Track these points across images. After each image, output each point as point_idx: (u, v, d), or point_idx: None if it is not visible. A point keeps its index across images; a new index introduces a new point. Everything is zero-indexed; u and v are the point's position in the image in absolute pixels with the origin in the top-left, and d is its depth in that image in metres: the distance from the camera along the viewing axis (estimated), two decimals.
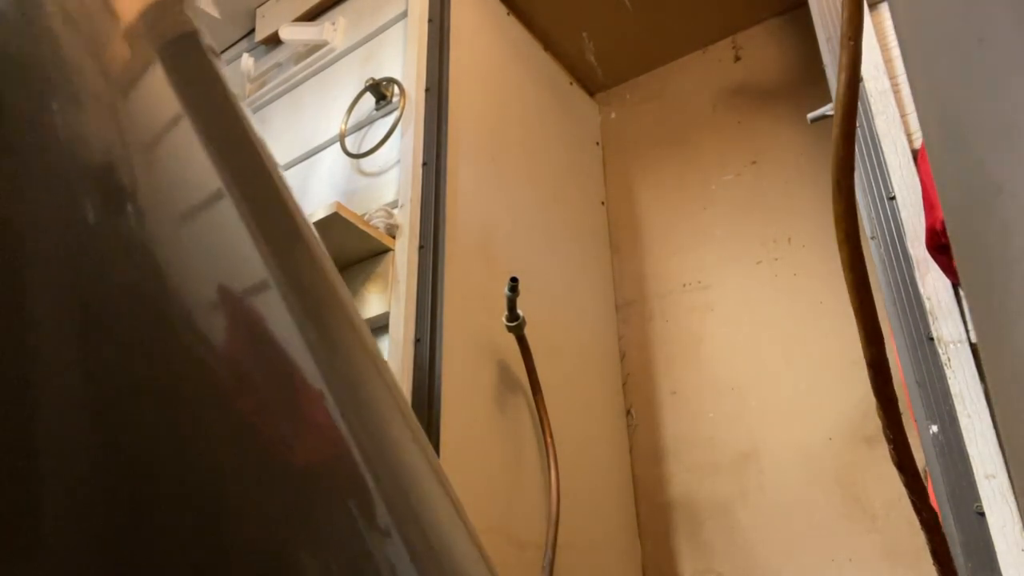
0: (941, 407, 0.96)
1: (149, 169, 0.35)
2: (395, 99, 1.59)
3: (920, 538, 0.65)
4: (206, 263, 0.34)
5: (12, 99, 0.32)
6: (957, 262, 0.36)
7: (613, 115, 2.29)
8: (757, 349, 1.77)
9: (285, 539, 0.29)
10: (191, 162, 0.38)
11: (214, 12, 1.84)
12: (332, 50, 1.80)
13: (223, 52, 2.15)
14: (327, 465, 0.33)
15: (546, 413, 1.48)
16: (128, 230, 0.32)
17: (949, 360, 0.97)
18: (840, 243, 0.55)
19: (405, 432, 0.41)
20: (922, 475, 0.66)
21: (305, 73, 1.84)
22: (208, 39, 0.50)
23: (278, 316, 0.36)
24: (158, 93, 0.40)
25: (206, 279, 0.33)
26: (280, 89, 1.88)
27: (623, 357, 1.95)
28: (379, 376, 0.42)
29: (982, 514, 0.89)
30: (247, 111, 0.48)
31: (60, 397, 0.26)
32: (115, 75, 0.38)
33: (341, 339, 0.40)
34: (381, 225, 1.40)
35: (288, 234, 0.42)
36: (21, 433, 0.25)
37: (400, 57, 1.65)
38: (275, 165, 0.47)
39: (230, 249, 0.36)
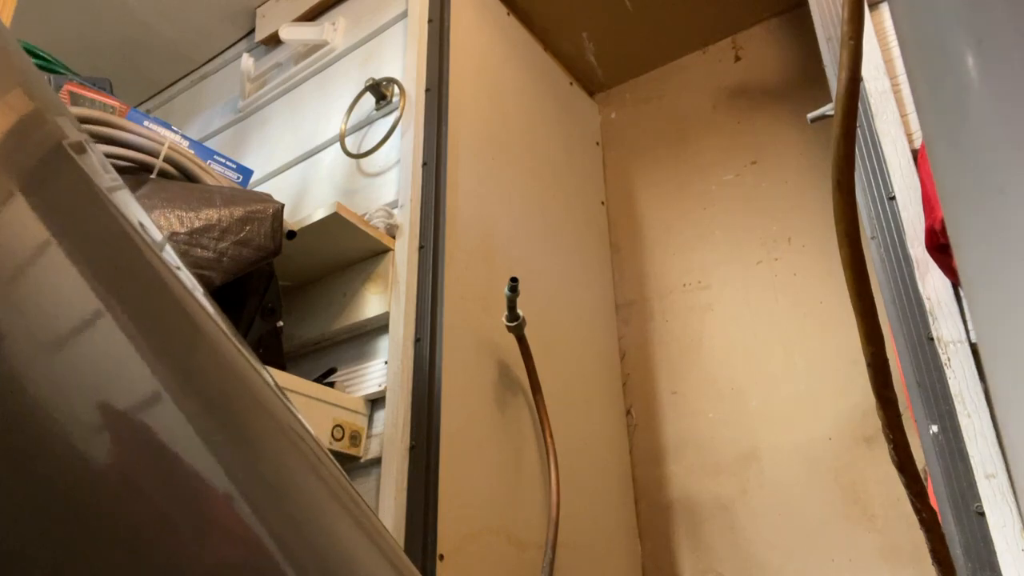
0: (941, 407, 0.96)
1: (13, 304, 0.34)
2: (395, 99, 1.59)
3: (920, 538, 0.65)
4: (85, 386, 0.34)
5: None
6: (957, 262, 0.36)
7: (613, 115, 2.29)
8: (757, 349, 1.77)
9: None
10: (60, 289, 0.37)
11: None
12: (332, 50, 1.80)
13: (223, 52, 2.15)
14: (238, 567, 0.33)
15: (546, 413, 1.47)
16: None
17: (949, 360, 0.97)
18: (840, 243, 0.55)
19: (343, 518, 0.40)
20: (922, 475, 0.66)
21: (305, 73, 1.84)
22: (77, 136, 0.48)
23: (172, 425, 0.36)
24: (19, 226, 0.38)
25: (85, 401, 0.33)
26: (280, 89, 1.88)
27: (623, 357, 1.95)
28: (310, 466, 0.41)
29: (982, 514, 0.89)
30: (131, 211, 0.46)
31: None
32: None
33: (257, 434, 0.40)
34: (381, 225, 1.40)
35: (185, 337, 0.41)
36: None
37: (400, 57, 1.65)
38: (168, 264, 0.45)
39: (113, 367, 0.36)
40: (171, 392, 0.37)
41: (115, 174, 0.48)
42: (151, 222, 0.48)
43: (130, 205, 0.46)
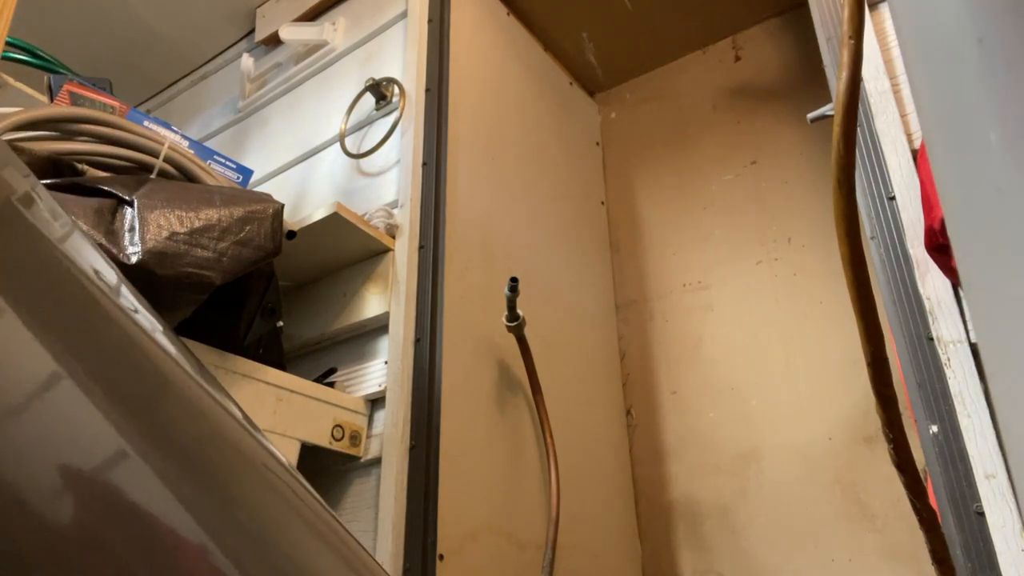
0: (941, 407, 0.95)
1: None
2: (395, 99, 1.59)
3: (920, 538, 0.65)
4: (44, 451, 0.33)
5: None
6: (957, 262, 0.36)
7: (613, 115, 2.29)
8: (757, 349, 1.77)
9: None
10: (13, 354, 0.36)
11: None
12: (332, 50, 1.80)
13: (223, 52, 2.15)
14: None
15: (546, 413, 1.47)
16: None
17: (949, 360, 0.97)
18: (841, 242, 0.55)
19: (327, 556, 0.40)
20: (922, 475, 0.66)
21: (305, 73, 1.84)
22: (24, 186, 0.46)
23: (139, 481, 0.35)
24: None
25: (46, 466, 0.33)
26: (280, 89, 1.88)
27: (623, 357, 1.95)
28: (290, 505, 0.41)
29: (982, 514, 0.89)
30: (83, 259, 0.45)
31: None
32: None
33: (231, 480, 0.39)
34: (381, 225, 1.40)
35: (148, 387, 0.40)
36: None
37: (400, 57, 1.64)
38: (125, 309, 0.44)
39: (72, 429, 0.35)
40: (136, 447, 0.36)
41: (66, 218, 0.46)
42: (104, 264, 0.46)
43: (83, 251, 0.45)
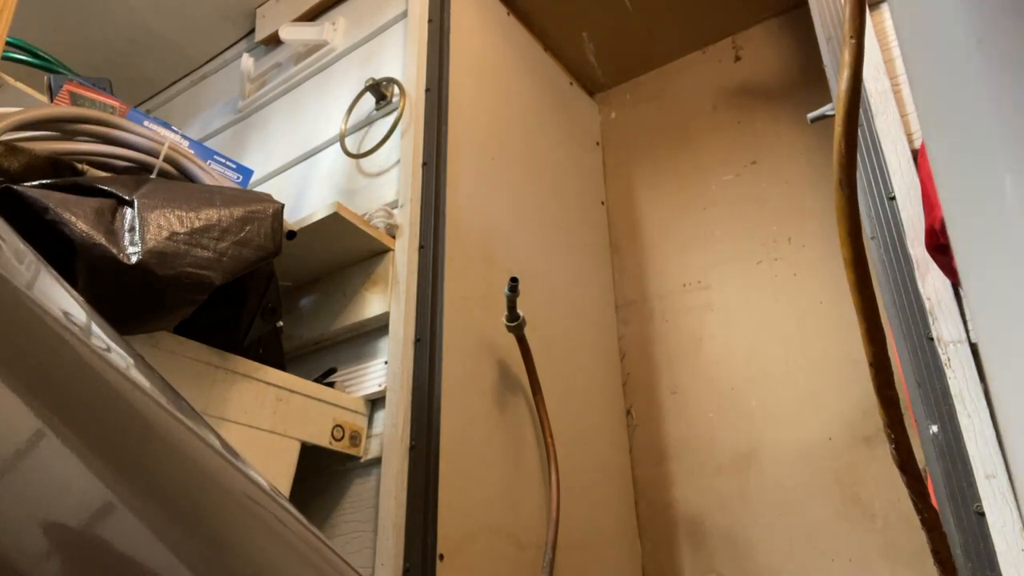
0: (941, 407, 0.96)
1: None
2: (395, 99, 1.59)
3: (920, 538, 0.65)
4: (28, 509, 0.32)
5: None
6: (957, 262, 0.36)
7: (613, 115, 2.29)
8: (757, 349, 1.77)
9: None
10: None
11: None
12: (332, 50, 1.80)
13: (223, 52, 2.15)
14: None
15: (546, 413, 1.47)
16: None
17: (949, 360, 0.97)
18: (842, 242, 0.55)
19: None
20: (922, 475, 0.66)
21: (305, 73, 1.84)
22: None
23: (129, 532, 0.34)
24: None
25: (30, 525, 0.32)
26: (280, 89, 1.88)
27: (623, 357, 1.95)
28: (284, 542, 0.41)
29: (982, 514, 0.89)
30: (53, 302, 0.43)
31: None
32: None
33: (221, 521, 0.39)
34: (381, 225, 1.40)
35: (132, 437, 0.39)
36: None
37: (400, 57, 1.64)
38: (96, 350, 0.43)
39: (57, 484, 0.34)
40: (122, 498, 0.35)
41: (31, 257, 0.45)
42: (72, 302, 0.45)
43: (51, 293, 0.44)
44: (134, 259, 0.91)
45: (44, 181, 0.98)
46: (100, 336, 0.44)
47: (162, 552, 0.35)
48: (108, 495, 0.35)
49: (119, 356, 0.43)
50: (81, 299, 0.46)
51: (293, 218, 1.36)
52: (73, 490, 0.34)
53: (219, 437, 0.45)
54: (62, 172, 1.09)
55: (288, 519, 0.44)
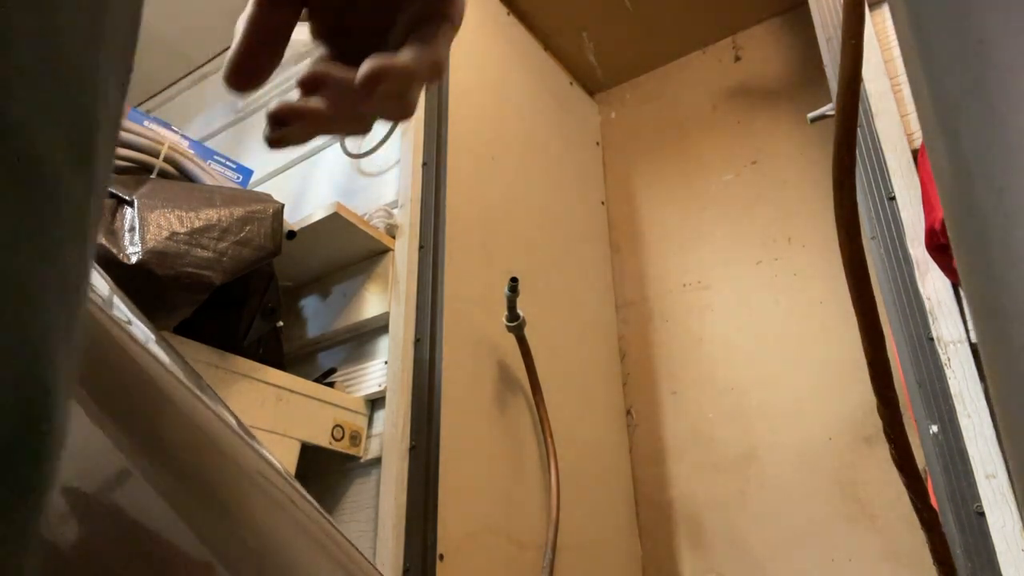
0: (941, 407, 0.96)
1: None
2: None
3: (920, 538, 0.65)
4: None
5: None
6: (957, 262, 0.36)
7: (613, 115, 2.29)
8: (757, 349, 1.77)
9: None
10: None
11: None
12: None
13: (223, 52, 2.15)
14: None
15: (546, 413, 1.47)
16: None
17: (949, 360, 0.97)
18: (842, 243, 0.55)
19: (330, 567, 0.40)
20: (922, 475, 0.66)
21: None
22: None
23: (143, 500, 0.35)
24: None
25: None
26: (280, 89, 1.87)
27: (623, 357, 1.95)
28: (291, 518, 0.41)
29: (982, 514, 0.89)
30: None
31: None
32: None
33: (231, 494, 0.39)
34: (381, 225, 1.40)
35: (149, 404, 0.40)
36: None
37: None
38: (118, 321, 0.43)
39: (71, 450, 0.34)
40: (139, 467, 0.35)
41: None
42: (98, 276, 0.46)
43: None
44: (134, 259, 0.91)
45: None
46: (122, 309, 0.45)
47: (175, 521, 0.35)
48: (124, 461, 0.35)
49: (139, 330, 0.44)
50: (104, 273, 0.46)
51: (293, 218, 1.36)
52: (89, 454, 0.34)
53: (234, 416, 0.45)
54: None
55: (300, 500, 0.44)
